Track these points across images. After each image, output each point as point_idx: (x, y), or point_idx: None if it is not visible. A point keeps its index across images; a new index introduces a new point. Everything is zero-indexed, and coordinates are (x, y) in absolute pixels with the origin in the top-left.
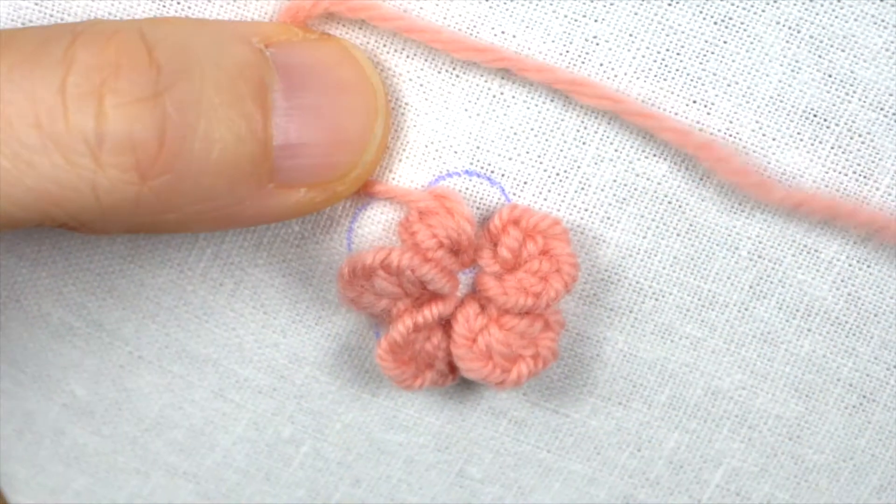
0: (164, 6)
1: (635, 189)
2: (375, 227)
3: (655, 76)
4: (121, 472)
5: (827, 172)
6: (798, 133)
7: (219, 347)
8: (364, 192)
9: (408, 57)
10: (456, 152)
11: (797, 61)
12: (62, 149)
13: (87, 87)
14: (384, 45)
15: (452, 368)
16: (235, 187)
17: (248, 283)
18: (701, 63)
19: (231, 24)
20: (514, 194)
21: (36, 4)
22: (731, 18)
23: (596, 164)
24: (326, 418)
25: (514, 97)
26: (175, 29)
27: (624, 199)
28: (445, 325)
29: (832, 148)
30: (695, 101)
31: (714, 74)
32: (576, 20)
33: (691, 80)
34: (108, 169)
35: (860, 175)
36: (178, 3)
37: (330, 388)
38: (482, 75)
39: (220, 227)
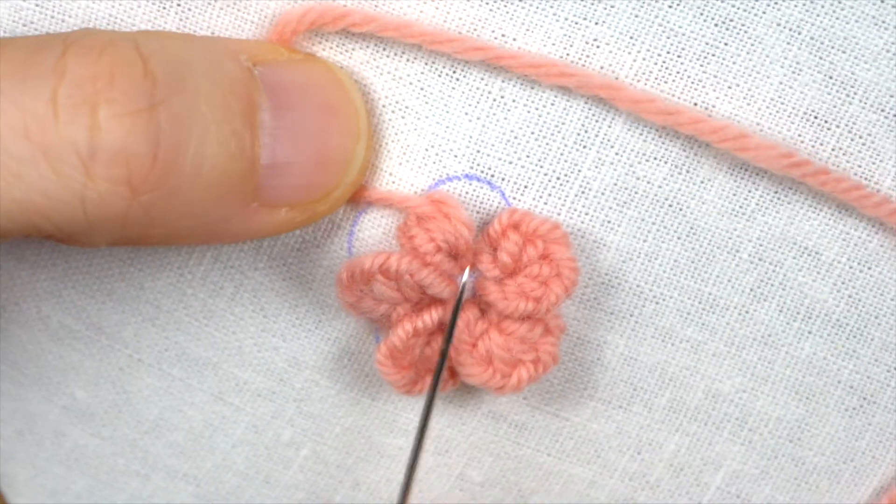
0: (163, 7)
1: (636, 192)
2: (376, 230)
3: (656, 79)
4: (121, 475)
5: None
6: (799, 135)
7: (218, 351)
8: (362, 199)
9: (408, 60)
10: (456, 156)
11: (798, 63)
12: (52, 160)
13: (79, 98)
14: (384, 49)
15: (453, 374)
16: (223, 205)
17: (249, 287)
18: (702, 65)
19: (221, 40)
20: (515, 198)
21: (36, 5)
22: (731, 20)
23: (597, 167)
24: (326, 422)
25: (514, 101)
26: (168, 42)
27: (625, 202)
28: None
29: (833, 150)
30: (696, 104)
31: (715, 76)
32: (576, 23)
33: (692, 83)
34: (99, 181)
35: (861, 177)
36: (178, 5)
37: (329, 392)
38: (483, 78)
39: (203, 243)
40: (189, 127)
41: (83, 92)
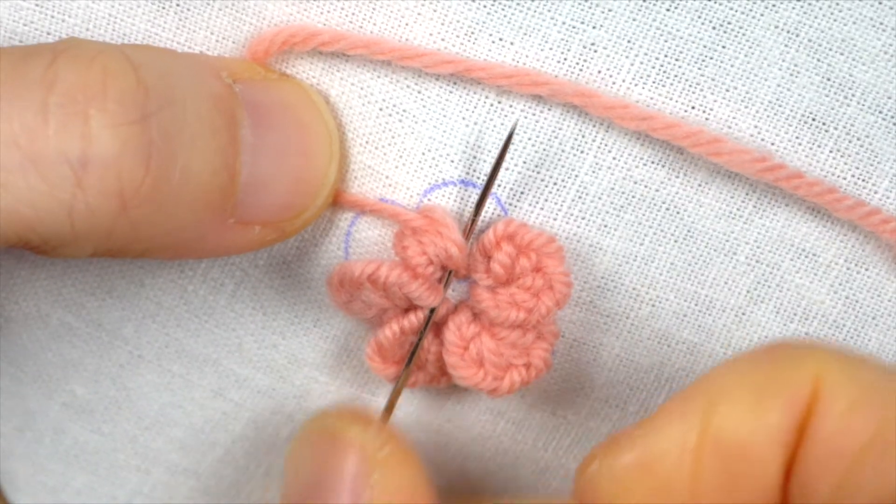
0: (162, 6)
1: (633, 196)
2: (372, 232)
3: (654, 82)
4: (121, 470)
5: (826, 176)
6: (797, 137)
7: (219, 347)
8: (356, 208)
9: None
10: (452, 161)
11: (796, 65)
12: (41, 170)
13: (71, 107)
14: None
15: (444, 370)
16: (202, 221)
17: (249, 284)
18: (699, 68)
19: (201, 56)
20: (510, 203)
21: (36, 5)
22: (729, 23)
23: (594, 172)
24: None
25: (511, 106)
26: (154, 54)
27: (621, 206)
28: (437, 328)
29: (831, 151)
30: (693, 107)
31: (713, 79)
32: (574, 26)
33: (690, 86)
34: (90, 192)
35: (859, 178)
36: (178, 5)
37: (329, 389)
38: (480, 83)
39: (177, 258)
40: (179, 141)
41: (74, 101)
